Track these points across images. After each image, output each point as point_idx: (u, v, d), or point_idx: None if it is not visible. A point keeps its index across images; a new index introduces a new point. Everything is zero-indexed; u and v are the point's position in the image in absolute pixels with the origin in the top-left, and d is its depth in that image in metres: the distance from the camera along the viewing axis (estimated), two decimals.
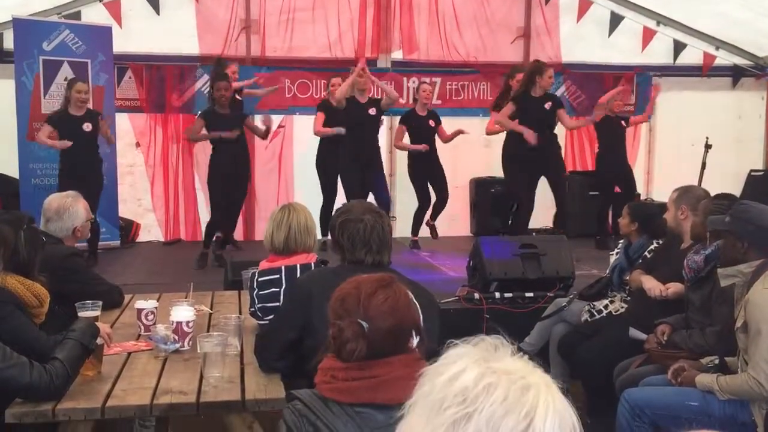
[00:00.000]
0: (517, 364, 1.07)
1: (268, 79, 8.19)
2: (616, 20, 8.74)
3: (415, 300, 1.89)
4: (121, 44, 7.73)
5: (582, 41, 8.94)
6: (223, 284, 5.02)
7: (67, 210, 3.66)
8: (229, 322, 3.09)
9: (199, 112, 6.97)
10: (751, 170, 9.17)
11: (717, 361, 3.20)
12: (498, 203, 8.23)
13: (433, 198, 7.46)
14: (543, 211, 7.60)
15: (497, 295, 5.05)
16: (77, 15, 7.83)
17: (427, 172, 7.34)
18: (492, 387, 1.01)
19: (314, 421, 1.73)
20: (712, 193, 4.00)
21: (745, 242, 3.07)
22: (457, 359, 1.08)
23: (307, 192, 7.56)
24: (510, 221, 7.60)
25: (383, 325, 1.77)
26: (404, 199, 8.15)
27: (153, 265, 6.97)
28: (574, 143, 9.13)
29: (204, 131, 6.68)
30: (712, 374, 3.09)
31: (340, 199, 6.97)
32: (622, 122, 7.79)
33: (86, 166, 6.44)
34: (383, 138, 7.97)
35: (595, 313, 4.40)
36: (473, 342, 1.12)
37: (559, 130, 7.41)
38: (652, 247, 4.33)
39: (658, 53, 8.98)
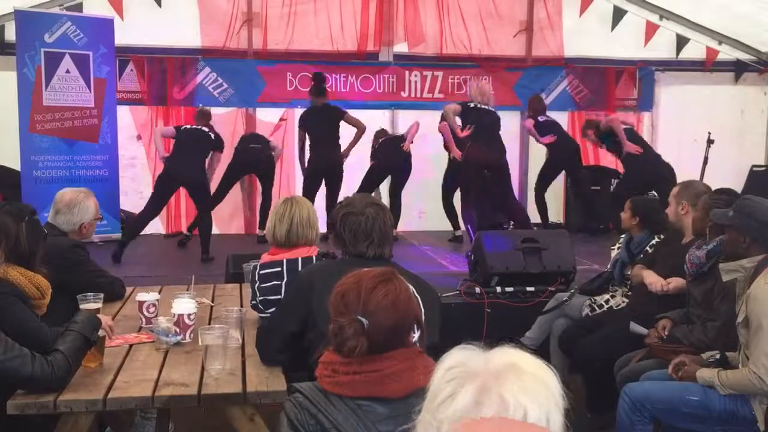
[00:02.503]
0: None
1: (271, 72, 8.19)
2: (618, 14, 8.72)
3: (416, 293, 1.88)
4: (123, 36, 7.71)
5: (584, 35, 8.91)
6: (224, 277, 5.02)
7: (77, 204, 3.64)
8: (231, 314, 3.08)
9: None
10: (753, 165, 9.14)
11: (718, 356, 3.20)
12: None
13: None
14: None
15: (498, 289, 5.05)
16: (79, 7, 7.82)
17: None
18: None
19: (315, 413, 1.73)
20: (714, 188, 3.99)
21: (747, 237, 3.07)
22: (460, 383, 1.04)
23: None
24: None
25: (384, 321, 1.76)
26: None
27: (154, 258, 6.97)
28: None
29: None
30: (713, 369, 3.09)
31: None
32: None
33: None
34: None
35: (596, 308, 4.40)
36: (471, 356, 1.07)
37: None
38: (653, 242, 4.33)
39: (661, 48, 8.96)
